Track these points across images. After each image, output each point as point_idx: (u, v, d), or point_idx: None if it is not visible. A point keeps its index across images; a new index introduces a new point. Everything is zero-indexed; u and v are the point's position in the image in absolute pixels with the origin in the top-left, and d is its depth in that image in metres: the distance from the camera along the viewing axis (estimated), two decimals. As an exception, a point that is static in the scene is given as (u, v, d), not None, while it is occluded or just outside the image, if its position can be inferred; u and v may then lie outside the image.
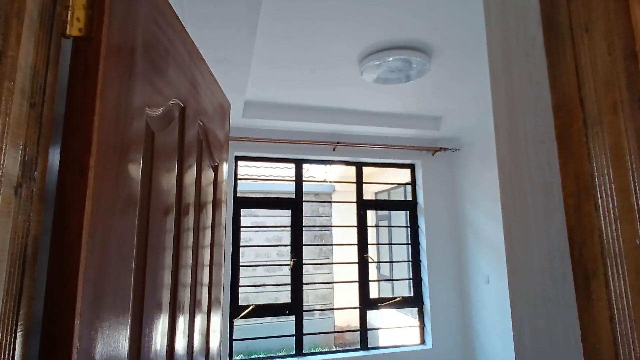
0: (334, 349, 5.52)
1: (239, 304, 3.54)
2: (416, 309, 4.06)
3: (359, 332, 3.85)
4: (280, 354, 3.83)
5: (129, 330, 0.64)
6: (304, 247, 3.81)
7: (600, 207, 0.58)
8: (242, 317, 3.50)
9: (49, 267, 0.47)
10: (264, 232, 6.48)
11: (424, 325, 3.97)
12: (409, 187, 4.30)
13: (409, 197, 4.28)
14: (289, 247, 3.77)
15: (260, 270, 6.41)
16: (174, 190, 0.88)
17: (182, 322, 0.93)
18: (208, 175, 1.19)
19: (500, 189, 1.43)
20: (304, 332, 3.66)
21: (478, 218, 3.79)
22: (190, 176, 0.99)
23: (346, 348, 3.74)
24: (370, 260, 3.94)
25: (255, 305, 3.57)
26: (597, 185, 0.60)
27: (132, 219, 0.66)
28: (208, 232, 1.18)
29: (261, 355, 3.88)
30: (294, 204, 3.85)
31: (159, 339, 0.78)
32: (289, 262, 3.72)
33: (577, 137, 0.65)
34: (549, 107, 1.14)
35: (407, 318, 5.46)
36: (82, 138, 0.52)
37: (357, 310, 3.89)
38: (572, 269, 0.67)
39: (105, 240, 0.56)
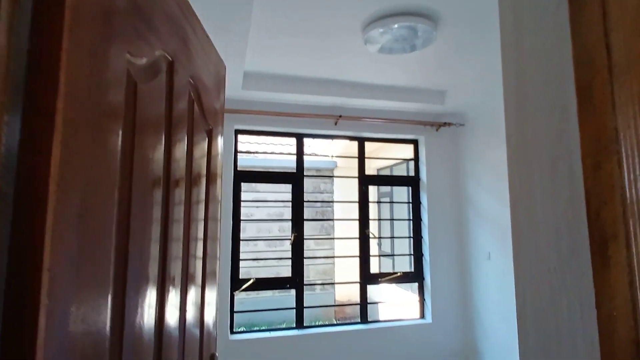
0: (335, 323, 5.56)
1: (240, 277, 3.55)
2: (416, 284, 4.07)
3: (359, 306, 3.88)
4: (281, 327, 3.88)
5: (110, 299, 0.61)
6: (305, 222, 3.79)
7: (625, 164, 0.53)
8: (243, 290, 3.52)
9: (14, 218, 0.43)
10: (265, 208, 6.49)
11: (424, 300, 3.99)
12: (411, 164, 4.24)
13: (412, 174, 4.23)
14: (290, 223, 3.76)
15: (261, 246, 6.45)
16: (162, 152, 0.83)
17: (172, 295, 0.89)
18: (200, 139, 1.13)
19: (507, 161, 1.38)
20: (305, 306, 3.69)
21: (480, 195, 3.74)
22: (180, 139, 0.94)
23: (347, 322, 3.77)
24: (371, 235, 3.93)
25: (256, 278, 3.58)
26: (621, 140, 0.54)
27: (111, 176, 0.61)
28: (202, 205, 1.13)
29: (263, 328, 3.92)
30: (295, 178, 3.80)
31: (145, 311, 0.74)
32: (290, 237, 3.71)
33: (601, 89, 0.58)
34: (562, 74, 1.06)
35: (407, 293, 5.51)
36: (50, 76, 0.46)
37: (358, 285, 3.91)
38: (589, 233, 0.62)
39: (81, 196, 0.52)
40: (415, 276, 4.04)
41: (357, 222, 3.95)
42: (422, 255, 4.05)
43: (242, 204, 3.69)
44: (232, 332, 3.47)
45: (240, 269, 3.61)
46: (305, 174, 3.85)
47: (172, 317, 0.88)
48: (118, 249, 0.64)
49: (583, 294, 1.04)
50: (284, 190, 3.97)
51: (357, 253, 3.92)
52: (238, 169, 3.65)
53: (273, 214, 6.55)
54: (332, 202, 4.19)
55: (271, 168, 6.68)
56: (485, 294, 3.64)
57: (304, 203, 3.81)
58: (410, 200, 4.18)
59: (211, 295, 1.17)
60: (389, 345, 3.71)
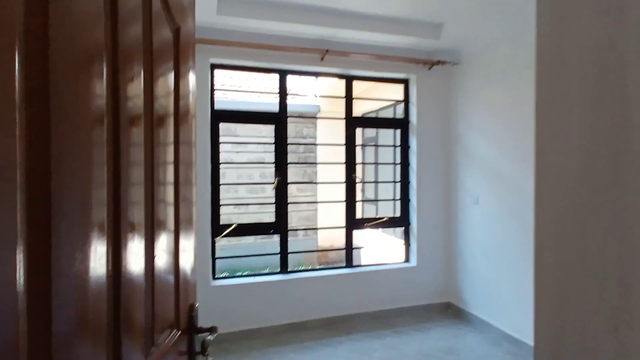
0: (319, 267, 5.59)
1: (221, 223, 3.39)
2: (402, 228, 4.02)
3: (344, 250, 3.82)
4: (265, 272, 3.81)
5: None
6: (288, 166, 3.59)
7: None
8: (225, 236, 3.38)
9: None
10: (246, 154, 6.22)
11: (409, 244, 3.97)
12: (399, 109, 4.02)
13: (400, 118, 4.02)
14: (273, 168, 3.55)
15: (242, 192, 6.27)
16: (104, 75, 0.58)
17: (133, 242, 0.70)
18: (164, 46, 0.87)
19: (536, 78, 1.17)
20: (289, 251, 3.60)
21: (471, 137, 3.60)
22: (132, 47, 0.69)
23: (331, 266, 3.73)
24: (358, 180, 3.78)
25: (238, 224, 3.43)
26: None
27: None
28: (170, 147, 0.91)
29: (245, 273, 3.85)
30: (277, 119, 3.54)
31: (97, 257, 0.56)
32: (272, 182, 3.53)
33: None
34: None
35: (391, 239, 5.53)
36: None
37: (343, 230, 3.83)
38: None
39: None
40: (401, 221, 3.99)
41: (342, 167, 3.78)
42: (409, 200, 3.96)
43: (222, 147, 3.44)
44: (214, 278, 3.37)
45: (220, 215, 3.44)
46: (287, 116, 3.59)
47: (133, 266, 0.70)
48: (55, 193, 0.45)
49: (623, 232, 0.90)
50: (266, 135, 3.71)
51: (342, 198, 3.80)
52: (215, 108, 3.35)
53: (254, 159, 6.32)
54: (316, 144, 3.96)
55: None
56: (471, 237, 3.62)
57: (288, 147, 3.58)
58: (399, 144, 4.01)
59: (187, 242, 0.98)
60: (374, 288, 3.71)
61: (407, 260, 3.98)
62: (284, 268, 3.57)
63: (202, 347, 0.91)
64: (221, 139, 3.42)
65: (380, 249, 5.37)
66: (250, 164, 5.72)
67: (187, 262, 0.96)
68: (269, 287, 3.41)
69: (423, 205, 3.86)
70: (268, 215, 3.56)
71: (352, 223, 3.78)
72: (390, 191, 5.86)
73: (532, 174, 2.74)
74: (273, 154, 3.57)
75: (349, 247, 3.79)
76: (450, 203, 3.90)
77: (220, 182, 3.40)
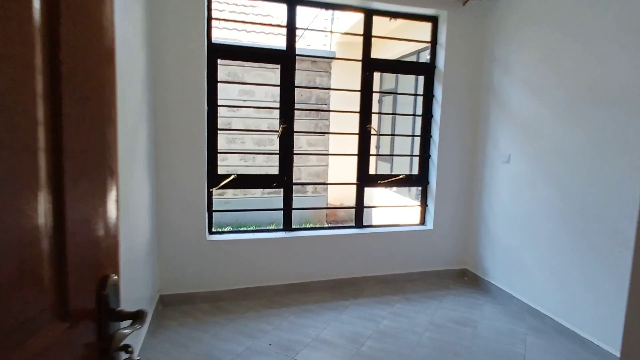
0: (326, 226, 5.31)
1: (219, 173, 3.06)
2: (419, 188, 3.64)
3: (354, 209, 3.49)
4: (270, 228, 3.53)
5: None
6: (295, 112, 3.18)
7: None
8: (221, 188, 3.06)
9: None
10: (254, 105, 5.79)
11: (426, 205, 3.60)
12: (422, 58, 3.49)
13: (424, 63, 3.51)
14: (278, 114, 3.14)
15: (250, 144, 5.90)
16: None
17: None
18: None
19: None
20: (293, 207, 3.28)
21: (508, 86, 3.10)
22: None
23: (339, 225, 3.41)
24: (373, 131, 3.37)
25: (238, 175, 3.09)
26: None
27: None
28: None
29: (250, 228, 3.57)
30: (284, 58, 3.08)
31: None
32: (277, 130, 3.14)
33: None
34: None
35: (405, 199, 5.17)
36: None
37: (354, 187, 3.47)
38: None
39: None
40: (419, 179, 3.60)
41: (357, 116, 3.35)
42: (429, 156, 3.54)
43: (226, 94, 3.04)
44: (210, 232, 3.10)
45: (219, 165, 3.10)
46: (298, 65, 3.13)
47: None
48: None
49: None
50: (274, 83, 3.25)
51: (355, 152, 3.40)
52: (213, 41, 2.91)
53: (261, 111, 5.88)
54: (330, 89, 3.51)
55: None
56: (496, 199, 3.23)
57: (295, 90, 3.15)
58: (422, 92, 3.53)
59: (91, 192, 0.61)
60: (384, 250, 3.41)
61: (422, 222, 3.64)
62: (287, 225, 3.26)
63: (115, 341, 0.58)
64: (220, 78, 3.01)
65: (393, 209, 5.04)
66: (253, 108, 5.26)
67: (90, 217, 0.61)
68: (270, 245, 3.13)
69: (445, 162, 3.45)
70: (276, 169, 3.21)
71: (364, 180, 3.41)
72: (407, 148, 5.43)
73: (582, 134, 2.27)
74: (279, 97, 3.15)
75: (360, 205, 3.45)
76: (476, 161, 3.47)
77: (218, 125, 3.02)
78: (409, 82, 5.36)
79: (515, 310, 2.98)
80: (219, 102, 3.00)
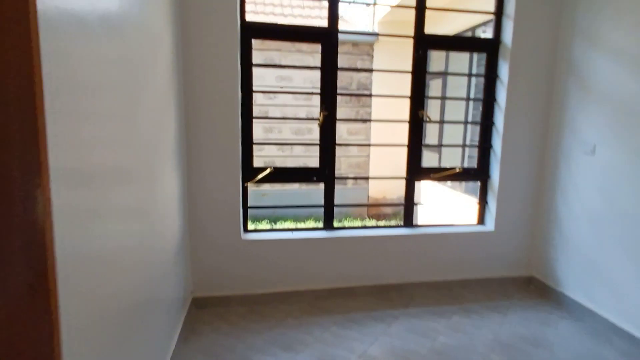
0: (368, 225, 4.98)
1: (254, 166, 2.79)
2: (478, 183, 3.20)
3: (402, 206, 3.12)
4: (308, 227, 3.23)
5: None
6: (338, 97, 2.84)
7: None
8: (258, 182, 2.79)
9: None
10: (292, 93, 5.48)
11: (486, 203, 3.16)
12: (476, 34, 3.01)
13: (488, 37, 3.03)
14: (319, 101, 2.81)
15: (287, 133, 5.64)
16: None
17: None
18: None
19: None
20: (335, 204, 2.96)
21: (594, 63, 2.58)
22: None
23: (386, 224, 3.06)
24: (427, 119, 2.96)
25: (274, 168, 2.81)
26: None
27: None
28: None
29: (288, 222, 3.28)
30: (326, 36, 2.74)
31: None
32: (317, 118, 2.82)
33: None
34: None
35: (458, 196, 4.71)
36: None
37: (400, 181, 3.09)
38: None
39: None
40: (478, 173, 3.16)
41: (405, 103, 2.96)
42: (491, 147, 3.09)
43: (263, 80, 2.75)
44: (245, 231, 2.85)
45: (254, 156, 2.83)
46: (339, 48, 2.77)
47: None
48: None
49: None
50: (314, 67, 2.90)
51: (403, 142, 3.02)
52: (247, 20, 2.62)
53: (301, 99, 5.58)
54: (374, 70, 3.12)
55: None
56: (576, 198, 2.74)
57: (338, 72, 2.80)
58: (482, 73, 3.07)
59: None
60: (438, 254, 3.03)
61: (481, 222, 3.20)
62: (328, 223, 2.96)
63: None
64: (255, 59, 2.72)
65: (443, 206, 4.60)
66: (292, 93, 4.95)
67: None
68: (310, 245, 2.83)
69: (510, 154, 2.99)
70: (315, 160, 2.90)
71: (416, 172, 3.03)
72: (458, 137, 4.94)
73: None
74: (320, 83, 2.82)
75: (410, 202, 3.07)
76: (551, 152, 2.97)
77: (253, 113, 2.74)
78: (461, 63, 4.84)
79: (599, 330, 2.52)
80: (254, 88, 2.71)
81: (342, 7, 5.85)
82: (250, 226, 2.90)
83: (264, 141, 5.34)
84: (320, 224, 3.00)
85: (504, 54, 2.92)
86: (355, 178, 3.31)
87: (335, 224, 2.99)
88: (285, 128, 5.63)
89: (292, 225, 5.18)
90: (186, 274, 2.54)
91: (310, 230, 2.99)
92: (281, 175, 2.90)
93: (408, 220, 3.09)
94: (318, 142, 2.87)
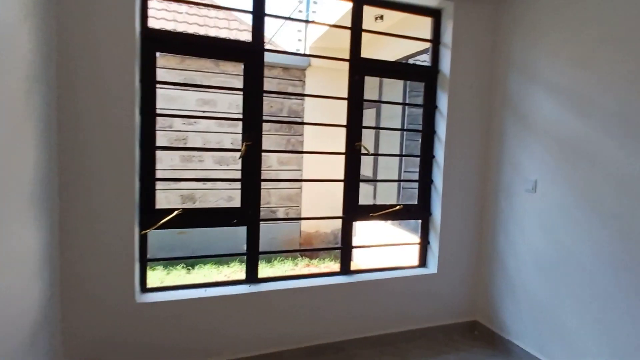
0: (299, 274, 4.52)
1: (157, 207, 2.22)
2: (419, 221, 2.94)
3: (340, 250, 2.73)
4: (227, 279, 2.68)
5: None
6: (264, 124, 2.41)
7: None
8: (160, 228, 2.21)
9: None
10: (215, 119, 4.95)
11: (428, 243, 2.90)
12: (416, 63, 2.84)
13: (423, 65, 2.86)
14: (241, 128, 2.36)
15: (209, 163, 5.04)
16: None
17: None
18: None
19: None
20: (261, 251, 2.47)
21: (531, 96, 2.48)
22: None
23: (320, 271, 2.64)
24: (364, 151, 2.65)
25: (184, 210, 2.26)
26: None
27: None
28: None
29: (198, 282, 2.70)
30: (249, 53, 2.33)
31: None
32: (239, 148, 2.36)
33: None
34: None
35: (395, 233, 4.47)
36: None
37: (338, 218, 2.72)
38: None
39: None
40: (419, 210, 2.89)
41: (342, 131, 2.63)
42: (432, 182, 2.86)
43: (173, 94, 2.23)
44: (144, 290, 2.23)
45: (156, 194, 2.26)
46: (267, 72, 2.39)
47: None
48: None
49: None
50: (238, 94, 2.45)
51: (340, 173, 2.66)
52: (149, 27, 2.11)
53: (226, 125, 5.06)
54: (305, 96, 2.75)
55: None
56: (519, 237, 2.57)
57: (264, 96, 2.39)
58: (423, 103, 2.86)
59: None
60: (378, 303, 2.66)
61: (423, 264, 2.92)
62: (252, 274, 2.45)
63: None
64: (160, 76, 2.20)
65: (386, 245, 4.31)
66: (208, 118, 4.38)
67: None
68: (229, 303, 2.30)
69: (452, 190, 2.78)
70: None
71: (353, 211, 2.67)
72: (391, 170, 4.76)
73: None
74: (242, 106, 2.37)
75: (347, 245, 2.70)
76: (491, 188, 2.81)
77: (156, 143, 2.20)
78: (392, 93, 4.73)
79: (553, 386, 2.29)
80: (163, 111, 2.18)
81: (270, 31, 5.54)
82: (159, 275, 2.28)
83: (176, 176, 4.68)
84: (241, 278, 2.48)
85: (443, 84, 2.74)
86: (284, 219, 2.89)
87: (263, 268, 2.50)
88: (207, 157, 5.04)
89: (214, 270, 4.52)
90: (54, 349, 1.85)
91: (229, 284, 2.44)
92: (194, 217, 2.36)
93: (345, 266, 2.70)
94: (239, 177, 2.39)
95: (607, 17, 2.03)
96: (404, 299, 2.73)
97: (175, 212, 2.23)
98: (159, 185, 4.60)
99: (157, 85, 2.16)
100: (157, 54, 2.20)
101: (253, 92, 2.34)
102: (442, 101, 2.74)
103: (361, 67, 2.58)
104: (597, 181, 2.08)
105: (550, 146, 2.35)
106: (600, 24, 2.07)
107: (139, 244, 2.15)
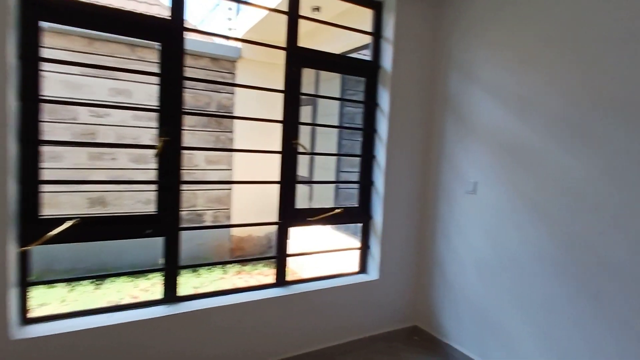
0: (234, 288, 4.15)
1: (41, 216, 1.76)
2: (360, 225, 2.77)
3: (275, 259, 2.45)
4: (142, 300, 2.26)
5: None
6: (186, 117, 2.06)
7: None
8: (48, 243, 1.75)
9: None
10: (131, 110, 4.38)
11: (369, 247, 2.74)
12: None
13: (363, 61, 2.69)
14: (158, 121, 1.98)
15: (124, 161, 4.43)
16: None
17: None
18: None
19: None
20: (180, 265, 2.11)
21: (472, 97, 2.43)
22: None
23: (253, 285, 2.34)
24: (301, 149, 2.40)
25: (81, 219, 1.83)
26: None
27: None
28: None
29: (96, 307, 2.26)
30: (167, 32, 1.95)
31: None
32: (154, 144, 1.98)
33: None
34: None
35: (338, 236, 4.29)
36: None
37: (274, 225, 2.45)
38: None
39: None
40: (360, 214, 2.72)
41: (278, 128, 2.36)
42: (373, 183, 2.70)
43: (84, 79, 1.77)
44: (25, 322, 1.76)
45: (50, 197, 1.80)
46: (193, 62, 2.03)
47: None
48: None
49: None
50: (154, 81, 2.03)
51: (275, 172, 2.39)
52: (32, -12, 1.65)
53: (143, 116, 4.49)
54: (240, 86, 2.39)
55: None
56: (459, 239, 2.52)
57: (187, 88, 2.03)
58: (364, 99, 2.70)
59: None
60: (318, 317, 2.44)
61: (363, 270, 2.76)
62: (170, 293, 2.08)
63: None
64: (45, 53, 1.75)
65: (324, 250, 4.12)
66: (99, 107, 3.87)
67: None
68: (144, 329, 1.91)
69: (394, 191, 2.65)
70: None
71: (290, 216, 2.41)
72: (329, 170, 4.59)
73: (591, 158, 1.52)
74: (158, 94, 2.00)
75: (283, 254, 2.43)
76: (430, 190, 2.73)
77: (40, 133, 1.74)
78: (332, 89, 4.56)
79: (494, 392, 2.25)
80: (55, 97, 1.73)
81: (196, 18, 5.05)
82: (60, 294, 1.81)
83: (80, 177, 4.04)
84: (158, 297, 2.10)
85: (384, 80, 2.60)
86: (210, 227, 2.55)
87: (188, 278, 2.13)
88: (122, 154, 4.43)
89: (129, 284, 3.96)
90: None
91: (142, 306, 2.04)
92: (94, 228, 1.92)
93: (280, 277, 2.43)
94: (155, 179, 2.01)
95: (547, 17, 2.02)
96: (344, 309, 2.54)
97: (66, 225, 1.78)
98: (61, 187, 3.89)
99: (46, 67, 1.71)
100: (44, 24, 1.74)
101: (171, 79, 1.98)
102: (384, 98, 2.60)
103: (298, 58, 2.33)
104: (538, 184, 2.06)
105: (492, 147, 2.31)
106: (541, 23, 2.05)
107: (18, 263, 1.68)
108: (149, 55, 4.39)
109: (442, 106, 2.65)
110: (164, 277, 2.09)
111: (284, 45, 2.30)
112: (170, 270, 2.07)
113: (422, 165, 2.75)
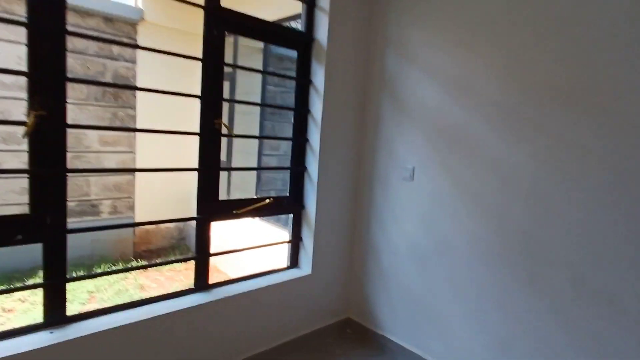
0: (140, 299, 3.60)
1: None
2: (290, 216, 2.52)
3: (194, 260, 2.08)
4: (20, 326, 1.72)
5: None
6: (71, 86, 1.56)
7: None
8: None
9: None
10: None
11: (301, 239, 2.51)
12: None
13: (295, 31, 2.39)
14: (27, 91, 1.46)
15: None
16: None
17: None
18: None
19: None
20: (69, 277, 1.64)
21: (408, 78, 2.31)
22: None
23: (167, 292, 1.95)
24: (225, 130, 2.04)
25: None
26: None
27: None
28: None
29: None
30: (36, -37, 1.42)
31: None
32: (23, 121, 1.46)
33: None
34: None
35: (265, 229, 3.96)
36: None
37: (192, 220, 2.07)
38: None
39: None
40: (291, 203, 2.46)
41: (193, 104, 1.96)
42: (306, 169, 2.46)
43: None
44: None
45: None
46: (81, 21, 1.51)
47: None
48: None
49: None
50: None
51: (192, 159, 2.00)
52: None
53: (13, 87, 3.57)
54: (145, 49, 1.89)
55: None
56: (394, 227, 2.42)
57: (66, 33, 1.52)
58: (296, 76, 2.40)
59: None
60: (246, 322, 2.15)
61: (295, 264, 2.53)
62: (54, 313, 1.60)
63: None
64: None
65: (250, 244, 3.81)
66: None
67: None
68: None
69: (328, 179, 2.44)
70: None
71: (211, 210, 2.05)
72: (252, 157, 4.22)
73: (528, 146, 1.49)
74: (26, 55, 1.46)
75: (204, 254, 2.07)
76: (365, 176, 2.58)
77: None
78: (252, 64, 4.15)
79: (430, 381, 2.23)
80: None
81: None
82: None
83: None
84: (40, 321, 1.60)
85: (319, 55, 2.33)
86: (112, 227, 2.07)
87: (81, 283, 1.66)
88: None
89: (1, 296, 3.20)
90: None
91: (15, 333, 1.53)
92: None
93: (201, 280, 2.08)
94: (26, 167, 1.49)
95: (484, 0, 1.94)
96: (276, 309, 2.29)
97: None
98: None
99: None
100: None
101: (47, 32, 1.46)
102: (318, 76, 2.34)
103: (221, 20, 1.94)
104: (475, 171, 2.02)
105: (429, 133, 2.22)
106: (478, 5, 1.97)
107: None
108: (17, 8, 3.47)
109: (379, 87, 2.49)
110: (44, 295, 1.59)
111: (202, 3, 1.89)
112: (54, 285, 1.59)
113: (358, 151, 2.58)
